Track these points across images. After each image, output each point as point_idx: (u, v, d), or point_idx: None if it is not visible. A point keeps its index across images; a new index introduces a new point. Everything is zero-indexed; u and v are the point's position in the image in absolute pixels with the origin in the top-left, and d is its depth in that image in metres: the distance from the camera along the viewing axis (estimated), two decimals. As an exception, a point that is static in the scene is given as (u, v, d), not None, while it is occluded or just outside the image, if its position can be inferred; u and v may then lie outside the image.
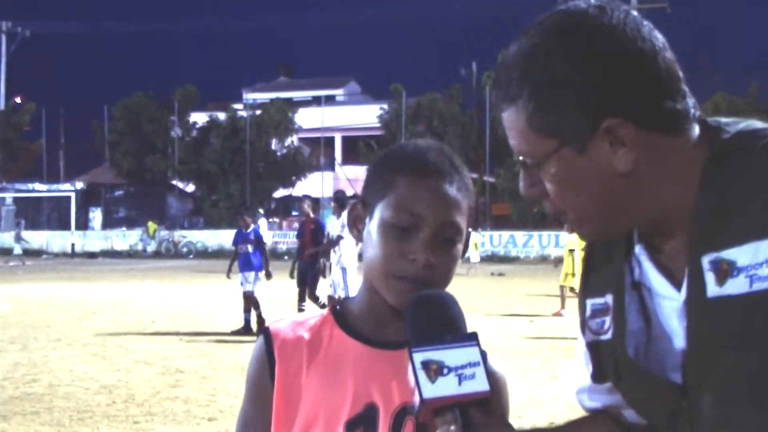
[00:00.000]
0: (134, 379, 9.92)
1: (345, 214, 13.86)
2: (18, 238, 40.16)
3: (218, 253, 40.28)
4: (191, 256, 41.47)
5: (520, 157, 1.39)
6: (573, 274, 17.22)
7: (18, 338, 13.17)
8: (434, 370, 1.33)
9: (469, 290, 18.34)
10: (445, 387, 1.32)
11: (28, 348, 12.20)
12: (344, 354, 1.59)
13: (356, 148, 50.81)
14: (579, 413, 1.61)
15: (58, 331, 14.17)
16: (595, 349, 1.49)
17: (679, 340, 1.35)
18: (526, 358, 11.29)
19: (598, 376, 1.51)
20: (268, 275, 14.63)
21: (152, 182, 52.73)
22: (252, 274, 14.49)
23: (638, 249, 1.42)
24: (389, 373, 1.57)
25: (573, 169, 1.33)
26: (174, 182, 52.66)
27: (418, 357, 1.34)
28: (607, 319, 1.43)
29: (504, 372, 1.72)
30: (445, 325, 1.39)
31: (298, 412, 1.57)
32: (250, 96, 58.39)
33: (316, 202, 14.16)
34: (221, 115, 51.27)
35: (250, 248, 14.68)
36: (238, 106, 53.46)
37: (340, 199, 14.37)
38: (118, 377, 10.03)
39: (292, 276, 15.58)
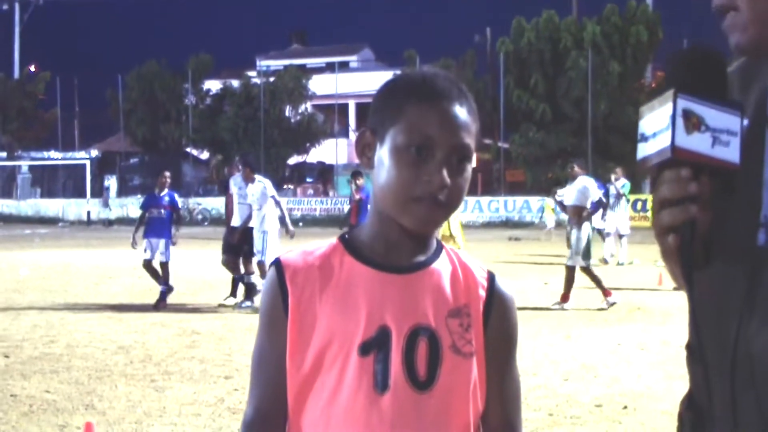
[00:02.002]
0: (151, 340, 10.01)
1: (260, 179, 13.09)
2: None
3: (233, 220, 40.37)
4: (206, 223, 41.50)
5: None
6: (451, 236, 17.30)
7: (36, 302, 13.29)
8: (693, 123, 1.27)
9: (484, 255, 18.37)
10: (699, 143, 1.27)
11: (46, 311, 12.31)
12: (356, 279, 1.62)
13: (370, 114, 50.63)
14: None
15: (75, 295, 14.29)
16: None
17: None
18: (540, 320, 11.33)
19: None
20: (173, 242, 13.42)
21: (167, 150, 52.76)
22: (163, 242, 13.30)
23: None
24: (401, 297, 1.61)
25: None
26: (188, 150, 52.71)
27: (682, 103, 1.28)
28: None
29: (512, 294, 1.75)
30: (714, 85, 1.32)
31: (312, 339, 1.60)
32: (263, 63, 58.24)
33: (247, 165, 13.33)
34: (235, 83, 51.19)
35: (163, 213, 13.48)
36: (251, 73, 53.29)
37: (250, 164, 13.61)
38: (135, 338, 10.12)
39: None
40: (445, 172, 1.56)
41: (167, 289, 13.14)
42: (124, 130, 52.90)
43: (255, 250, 13.08)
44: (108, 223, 40.30)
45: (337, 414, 1.58)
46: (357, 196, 16.25)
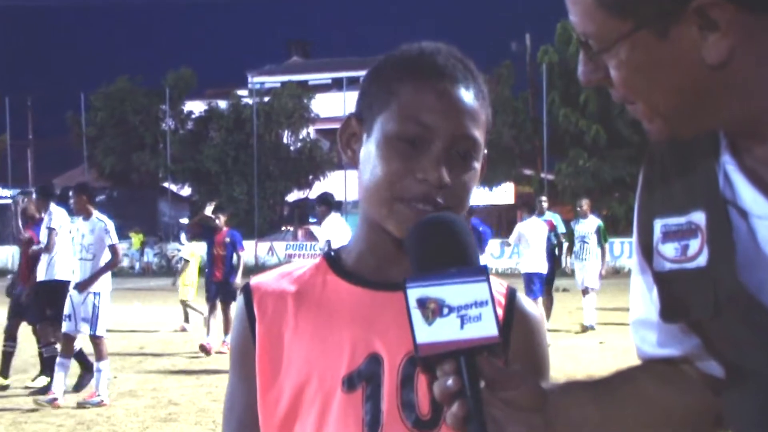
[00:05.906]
0: (118, 414, 9.99)
1: (100, 217, 11.26)
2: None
3: (220, 270, 40.35)
4: (187, 274, 41.70)
5: (582, 38, 1.35)
6: (189, 285, 18.15)
7: (-24, 369, 13.23)
8: (432, 310, 1.30)
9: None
10: (444, 330, 1.29)
11: (-11, 380, 12.26)
12: (339, 300, 1.61)
13: (385, 140, 50.80)
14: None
15: (25, 361, 14.21)
16: (671, 280, 1.41)
17: None
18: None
19: (668, 315, 1.44)
20: None
21: (140, 184, 53.12)
22: None
23: (726, 157, 1.36)
24: (394, 319, 1.56)
25: (649, 56, 1.29)
26: (166, 184, 52.99)
27: (414, 293, 1.31)
28: (695, 242, 1.36)
29: (539, 314, 1.72)
30: (450, 255, 1.34)
31: (288, 374, 1.59)
32: (256, 80, 58.76)
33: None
34: (222, 103, 51.58)
35: None
36: (242, 92, 53.78)
37: (45, 189, 12.64)
38: (98, 412, 10.13)
39: (8, 294, 13.49)
40: (444, 169, 1.52)
41: None
42: (88, 161, 53.26)
43: (66, 316, 11.02)
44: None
45: None
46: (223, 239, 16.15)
